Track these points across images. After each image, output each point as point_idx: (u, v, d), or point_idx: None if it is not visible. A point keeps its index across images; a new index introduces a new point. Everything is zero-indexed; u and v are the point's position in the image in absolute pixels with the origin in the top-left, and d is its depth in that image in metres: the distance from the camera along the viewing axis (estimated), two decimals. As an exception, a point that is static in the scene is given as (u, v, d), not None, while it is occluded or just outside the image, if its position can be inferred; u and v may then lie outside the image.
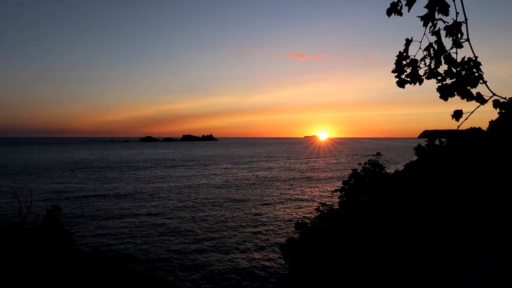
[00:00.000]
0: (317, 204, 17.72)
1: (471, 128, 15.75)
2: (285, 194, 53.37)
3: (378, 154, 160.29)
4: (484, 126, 15.08)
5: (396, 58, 3.04)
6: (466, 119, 2.76)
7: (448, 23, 2.73)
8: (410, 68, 3.02)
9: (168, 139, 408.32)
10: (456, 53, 2.76)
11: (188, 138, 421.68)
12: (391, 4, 2.97)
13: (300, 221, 16.68)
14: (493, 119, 14.48)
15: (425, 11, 2.76)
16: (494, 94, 2.67)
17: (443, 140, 16.25)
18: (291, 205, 44.69)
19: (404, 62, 3.03)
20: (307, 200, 48.72)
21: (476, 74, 2.70)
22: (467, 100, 2.75)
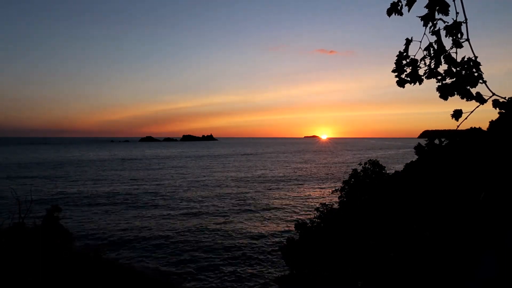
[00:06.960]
0: (317, 204, 17.73)
1: (471, 128, 15.76)
2: (285, 194, 53.39)
3: None
4: (484, 126, 15.07)
5: (396, 57, 3.05)
6: (466, 118, 2.77)
7: (448, 23, 2.74)
8: (410, 67, 3.03)
9: (168, 139, 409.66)
10: (456, 53, 2.77)
11: (188, 138, 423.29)
12: (391, 4, 2.99)
13: (300, 221, 16.70)
14: (493, 119, 14.49)
15: (425, 11, 2.77)
16: (493, 94, 2.69)
17: (443, 139, 16.26)
18: (291, 205, 44.70)
19: (404, 62, 3.04)
20: (307, 200, 48.73)
21: (476, 74, 2.71)
22: (467, 100, 2.76)
